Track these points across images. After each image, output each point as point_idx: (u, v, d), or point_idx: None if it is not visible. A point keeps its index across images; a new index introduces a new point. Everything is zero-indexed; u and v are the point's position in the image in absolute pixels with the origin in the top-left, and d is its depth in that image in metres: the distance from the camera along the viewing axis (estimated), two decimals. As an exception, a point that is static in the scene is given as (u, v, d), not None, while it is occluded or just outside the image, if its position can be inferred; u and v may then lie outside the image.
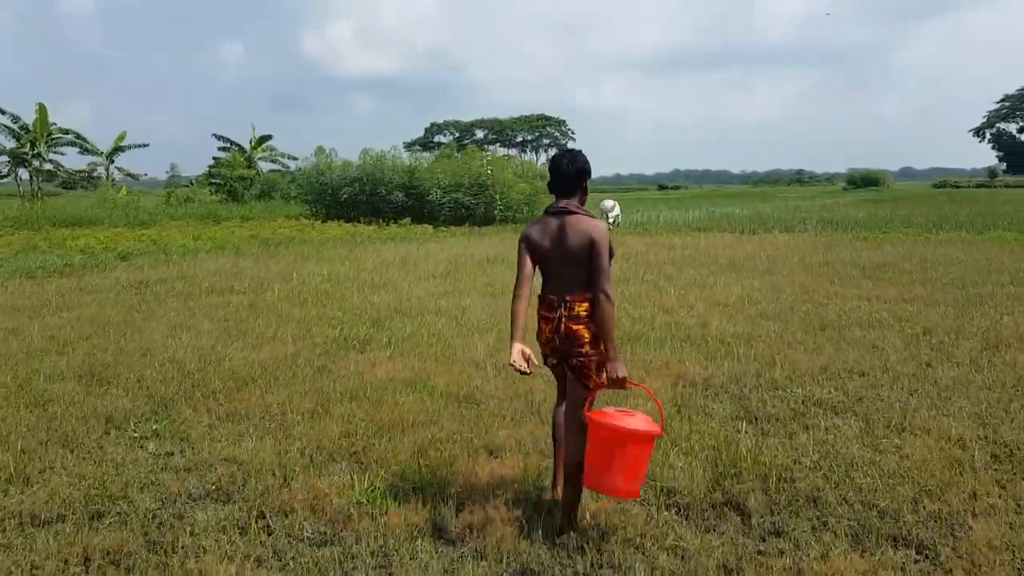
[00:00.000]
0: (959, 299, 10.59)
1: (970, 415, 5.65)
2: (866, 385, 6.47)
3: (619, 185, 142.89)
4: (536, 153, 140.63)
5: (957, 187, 77.87)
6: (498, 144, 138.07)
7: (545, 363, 4.07)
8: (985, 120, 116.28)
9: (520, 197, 28.10)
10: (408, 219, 26.76)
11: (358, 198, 28.91)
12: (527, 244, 3.95)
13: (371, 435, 5.36)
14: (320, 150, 31.13)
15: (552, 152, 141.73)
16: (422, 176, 28.44)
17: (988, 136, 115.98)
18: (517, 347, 3.84)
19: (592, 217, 3.90)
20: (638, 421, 3.67)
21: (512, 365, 3.83)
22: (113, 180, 41.02)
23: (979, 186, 77.43)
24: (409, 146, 29.55)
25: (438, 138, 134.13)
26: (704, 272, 14.20)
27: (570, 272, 3.82)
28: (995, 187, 73.26)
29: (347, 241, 20.80)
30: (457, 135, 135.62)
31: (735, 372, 6.90)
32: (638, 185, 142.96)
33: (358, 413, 5.81)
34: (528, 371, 3.86)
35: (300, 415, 5.82)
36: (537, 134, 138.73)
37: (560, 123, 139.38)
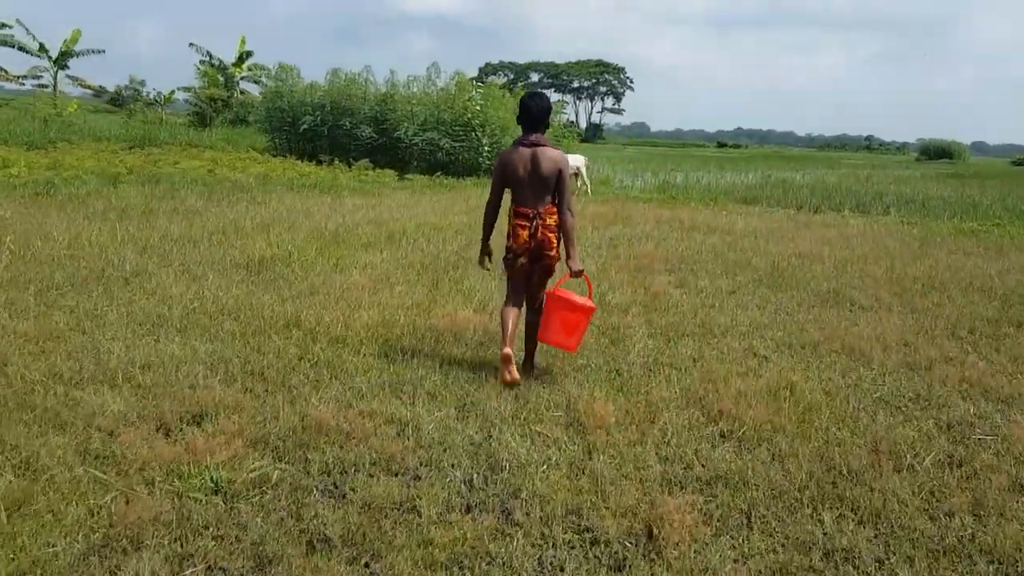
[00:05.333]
0: None
1: None
2: None
3: (677, 140, 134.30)
4: (591, 101, 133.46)
5: (1038, 166, 69.11)
6: (553, 89, 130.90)
7: (512, 265, 4.87)
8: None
9: (517, 143, 21.91)
10: (367, 161, 20.80)
11: (319, 130, 23.01)
12: (503, 170, 4.79)
13: None
14: (284, 68, 25.12)
15: (608, 101, 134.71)
16: (397, 107, 22.36)
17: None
18: (485, 251, 5.01)
19: (556, 148, 4.81)
20: (583, 299, 4.91)
21: (480, 264, 5.06)
22: (60, 89, 35.36)
23: (1064, 167, 68.63)
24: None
25: (491, 79, 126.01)
26: (723, 287, 8.21)
27: (541, 192, 4.74)
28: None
29: (247, 188, 15.03)
30: (511, 77, 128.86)
31: None
32: (697, 141, 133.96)
33: None
34: (488, 269, 5.15)
35: None
36: (594, 81, 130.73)
37: (619, 71, 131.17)
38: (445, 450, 3.79)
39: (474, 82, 23.94)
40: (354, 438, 3.84)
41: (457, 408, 4.36)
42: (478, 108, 21.35)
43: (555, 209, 4.75)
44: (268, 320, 5.79)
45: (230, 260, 7.92)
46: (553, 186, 4.71)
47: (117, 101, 38.11)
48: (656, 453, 3.89)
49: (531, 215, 4.71)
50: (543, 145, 4.73)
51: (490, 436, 3.99)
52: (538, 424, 4.16)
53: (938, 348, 6.26)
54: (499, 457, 3.73)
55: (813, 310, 7.56)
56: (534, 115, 4.75)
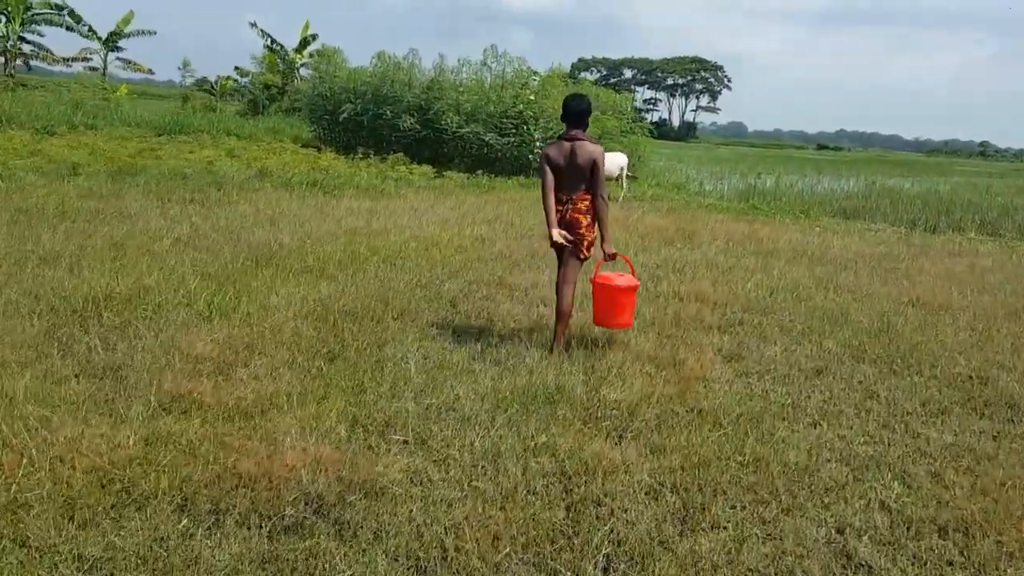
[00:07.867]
0: None
1: None
2: None
3: (774, 141, 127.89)
4: (686, 99, 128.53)
5: None
6: (646, 86, 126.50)
7: (552, 243, 5.35)
8: None
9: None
10: (401, 155, 18.23)
11: (359, 120, 20.56)
12: (548, 161, 5.26)
13: None
14: (326, 51, 22.76)
15: (704, 99, 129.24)
16: (444, 95, 19.66)
17: None
18: (555, 230, 5.25)
19: (593, 142, 5.30)
20: (626, 279, 5.42)
21: (557, 241, 5.24)
22: (107, 73, 33.88)
23: None
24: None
25: (584, 75, 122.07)
26: (802, 363, 5.29)
27: (576, 180, 5.26)
28: None
29: (228, 185, 12.67)
30: (604, 73, 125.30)
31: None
32: (796, 143, 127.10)
33: None
34: (568, 243, 5.28)
35: None
36: (689, 78, 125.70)
37: (717, 68, 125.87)
38: None
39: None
40: None
41: None
42: (531, 98, 18.52)
43: (588, 196, 5.30)
44: None
45: (52, 302, 5.38)
46: (588, 175, 5.25)
47: (211, 89, 36.69)
48: None
49: (564, 199, 5.30)
50: (581, 140, 5.25)
51: None
52: None
53: None
54: None
55: (949, 420, 4.54)
56: (574, 113, 5.29)
